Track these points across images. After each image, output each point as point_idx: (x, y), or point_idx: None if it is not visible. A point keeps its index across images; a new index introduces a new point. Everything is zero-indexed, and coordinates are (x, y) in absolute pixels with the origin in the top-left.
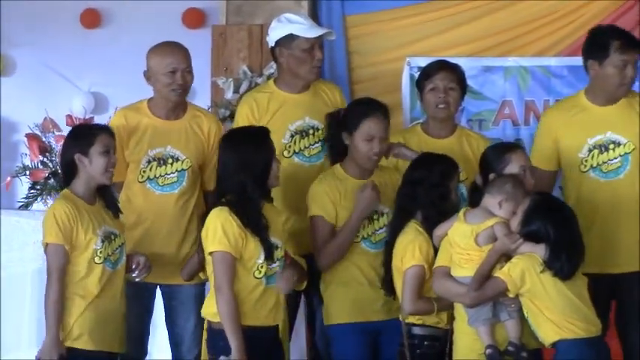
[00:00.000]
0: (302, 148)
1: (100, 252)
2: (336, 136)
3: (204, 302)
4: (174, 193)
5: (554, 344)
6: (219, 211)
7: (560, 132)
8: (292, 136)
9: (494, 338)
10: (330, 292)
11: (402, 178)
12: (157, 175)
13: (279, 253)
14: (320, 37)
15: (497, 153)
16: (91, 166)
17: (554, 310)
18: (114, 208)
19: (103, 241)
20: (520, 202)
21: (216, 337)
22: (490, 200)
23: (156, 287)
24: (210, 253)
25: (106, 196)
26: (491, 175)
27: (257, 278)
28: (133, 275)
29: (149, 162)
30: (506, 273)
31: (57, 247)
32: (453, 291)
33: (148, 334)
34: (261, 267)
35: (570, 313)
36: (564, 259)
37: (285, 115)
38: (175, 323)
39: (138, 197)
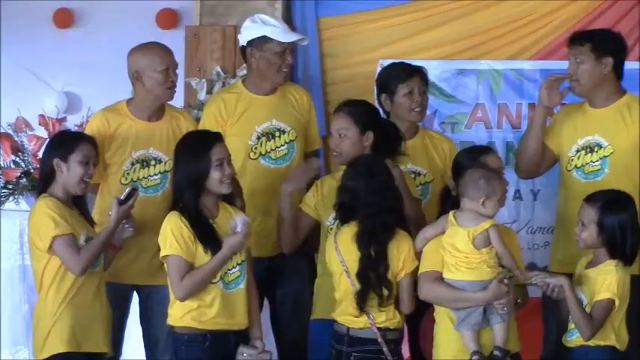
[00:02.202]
0: (268, 151)
1: None
2: None
3: (168, 310)
4: (157, 195)
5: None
6: (170, 216)
7: (557, 130)
8: (259, 137)
9: (479, 344)
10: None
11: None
12: (141, 177)
13: (238, 258)
14: (293, 42)
15: (471, 156)
16: (68, 174)
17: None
18: (88, 218)
19: (86, 242)
20: (500, 190)
21: (178, 342)
22: (471, 204)
23: (133, 289)
24: (164, 258)
25: (80, 205)
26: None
27: (212, 283)
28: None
29: (132, 164)
30: (611, 290)
31: (65, 238)
32: (447, 296)
33: (124, 334)
34: None
35: None
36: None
37: (252, 116)
38: (151, 323)
39: (135, 184)
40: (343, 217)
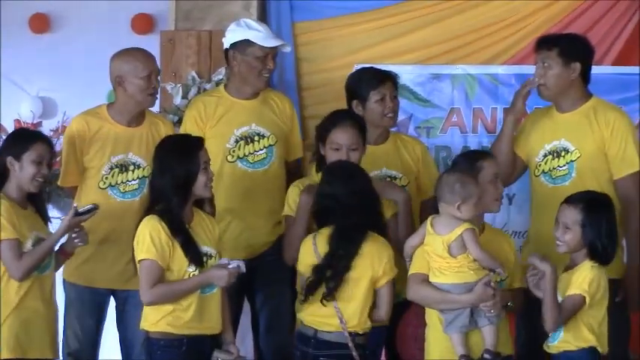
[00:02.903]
0: (246, 154)
1: None
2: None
3: (142, 315)
4: (135, 200)
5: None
6: (148, 220)
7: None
8: (237, 141)
9: (467, 347)
10: None
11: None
12: (119, 182)
13: (213, 262)
14: (275, 47)
15: (469, 160)
16: (20, 172)
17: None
18: (44, 215)
19: (33, 245)
20: (475, 194)
21: (154, 347)
22: (447, 208)
23: (110, 293)
24: (139, 262)
25: (36, 202)
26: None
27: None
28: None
29: (111, 168)
30: (582, 287)
31: (7, 243)
32: (433, 298)
33: (100, 339)
34: (192, 276)
35: None
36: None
37: (232, 119)
38: (127, 328)
39: (98, 203)
40: (322, 223)
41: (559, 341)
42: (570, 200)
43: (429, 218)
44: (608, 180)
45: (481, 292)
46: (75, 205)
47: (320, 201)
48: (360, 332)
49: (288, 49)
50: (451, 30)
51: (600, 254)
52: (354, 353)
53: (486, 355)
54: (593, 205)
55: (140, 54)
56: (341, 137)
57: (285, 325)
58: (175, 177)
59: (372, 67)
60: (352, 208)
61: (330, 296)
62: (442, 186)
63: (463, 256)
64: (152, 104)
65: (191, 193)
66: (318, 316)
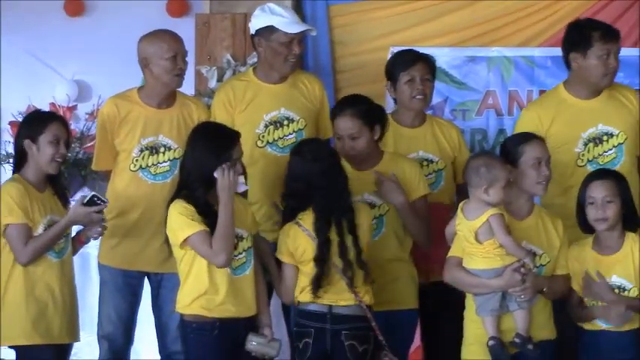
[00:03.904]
0: (275, 139)
1: None
2: None
3: (177, 297)
4: (166, 182)
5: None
6: (177, 203)
7: (552, 129)
8: (266, 126)
9: (497, 330)
10: None
11: None
12: (150, 164)
13: (244, 244)
14: (300, 32)
15: (512, 145)
16: (38, 154)
17: None
18: (63, 198)
19: (45, 229)
20: (503, 177)
21: (187, 329)
22: (475, 192)
23: (144, 276)
24: (185, 241)
25: (55, 184)
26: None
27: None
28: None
29: (141, 151)
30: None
31: (18, 227)
32: (466, 281)
33: (136, 322)
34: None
35: None
36: None
37: (261, 104)
38: (162, 311)
39: (130, 186)
40: (296, 206)
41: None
42: (599, 176)
43: (461, 203)
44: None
45: (509, 278)
46: (82, 194)
47: (291, 184)
48: (371, 304)
49: (314, 33)
50: (487, 12)
51: (636, 223)
52: (374, 324)
53: (516, 339)
54: (619, 177)
55: (166, 35)
56: (340, 126)
57: None
58: (203, 169)
59: (408, 49)
60: (329, 189)
61: (367, 281)
62: (469, 170)
63: (489, 242)
64: (179, 85)
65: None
66: (329, 294)
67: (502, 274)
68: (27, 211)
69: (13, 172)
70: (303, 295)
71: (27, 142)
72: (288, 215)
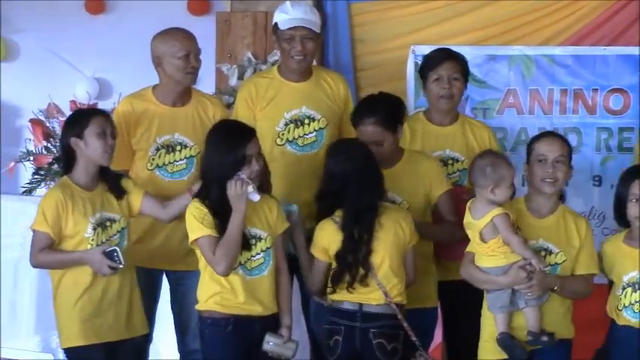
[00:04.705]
0: (295, 137)
1: (92, 239)
2: None
3: (197, 294)
4: (183, 179)
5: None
6: (193, 203)
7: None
8: (287, 124)
9: (508, 326)
10: None
11: None
12: (166, 163)
13: (263, 245)
14: (305, 28)
15: (529, 142)
16: (88, 149)
17: None
18: (117, 192)
19: (94, 228)
20: (509, 176)
21: (203, 325)
22: (482, 192)
23: (162, 274)
24: (194, 242)
25: (108, 179)
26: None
27: (233, 269)
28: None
29: (157, 149)
30: None
31: (39, 234)
32: (478, 277)
33: (154, 320)
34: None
35: None
36: None
37: (282, 102)
38: (182, 309)
39: (147, 185)
40: (329, 205)
41: None
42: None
43: (469, 202)
44: None
45: (514, 275)
46: (102, 249)
47: (328, 183)
48: (404, 302)
49: (317, 29)
50: (508, 11)
51: None
52: (405, 324)
53: (529, 337)
54: None
55: (178, 34)
56: (363, 134)
57: None
58: (219, 168)
59: (439, 48)
60: (360, 187)
61: (363, 283)
62: (475, 170)
63: (494, 241)
64: (193, 83)
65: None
66: (360, 293)
67: (508, 272)
68: (56, 221)
69: (62, 174)
70: (335, 293)
71: (73, 140)
72: (325, 212)
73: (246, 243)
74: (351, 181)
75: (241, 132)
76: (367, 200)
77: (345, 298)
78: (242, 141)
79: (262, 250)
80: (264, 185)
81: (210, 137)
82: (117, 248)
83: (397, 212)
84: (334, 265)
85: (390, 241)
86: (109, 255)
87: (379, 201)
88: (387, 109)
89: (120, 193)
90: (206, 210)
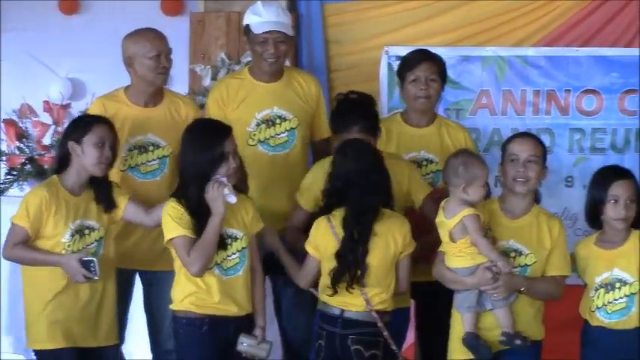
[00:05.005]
0: (267, 138)
1: (68, 245)
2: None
3: (171, 295)
4: (155, 180)
5: None
6: (169, 203)
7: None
8: (258, 124)
9: (475, 327)
10: None
11: None
12: (139, 163)
13: (239, 244)
14: (279, 31)
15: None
16: (83, 156)
17: None
18: (105, 203)
19: (72, 235)
20: (481, 175)
21: (177, 325)
22: (455, 191)
23: (135, 274)
24: (171, 240)
25: (98, 188)
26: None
27: (208, 269)
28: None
29: (130, 150)
30: None
31: (18, 228)
32: (446, 277)
33: (126, 321)
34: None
35: None
36: None
37: (253, 103)
38: (155, 309)
39: (120, 185)
40: (333, 203)
41: (629, 317)
42: (624, 175)
43: (442, 202)
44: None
45: (481, 276)
46: (79, 256)
47: (332, 181)
48: (388, 310)
49: (290, 32)
50: (481, 12)
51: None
52: (385, 333)
53: (502, 337)
54: (634, 178)
55: (149, 34)
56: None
57: (308, 308)
58: (197, 165)
59: (417, 49)
60: (364, 188)
61: (360, 283)
62: (448, 169)
63: (462, 241)
64: (164, 83)
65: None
66: (343, 297)
67: (475, 272)
68: (37, 219)
69: (53, 173)
70: (322, 295)
71: (71, 144)
72: (325, 210)
73: (222, 243)
74: (355, 182)
75: (218, 129)
76: (369, 201)
77: (330, 302)
78: (219, 138)
79: (238, 250)
80: (240, 185)
81: (187, 136)
82: (94, 260)
83: (393, 220)
84: (328, 264)
85: (379, 249)
86: (86, 264)
87: (382, 203)
88: (371, 115)
89: (109, 205)
90: (183, 209)
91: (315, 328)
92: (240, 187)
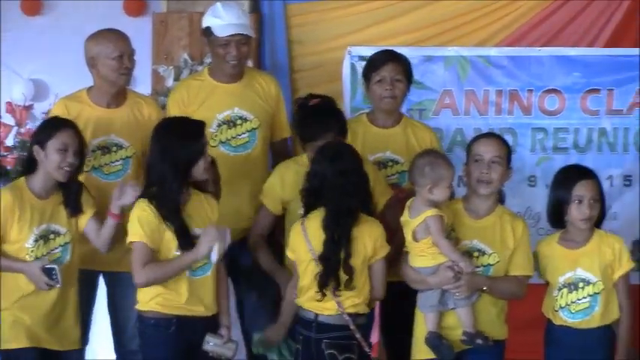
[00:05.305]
0: (228, 138)
1: (32, 250)
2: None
3: (137, 295)
4: (119, 181)
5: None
6: (138, 203)
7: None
8: (219, 125)
9: (437, 326)
10: None
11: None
12: (102, 164)
13: None
14: (241, 34)
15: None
16: (46, 161)
17: None
18: (72, 208)
19: (36, 240)
20: (447, 176)
21: (144, 325)
22: (420, 191)
23: (99, 275)
24: (130, 243)
25: (67, 192)
26: None
27: None
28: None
29: (93, 151)
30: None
31: None
32: (410, 277)
33: (90, 322)
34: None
35: None
36: None
37: (214, 104)
38: (118, 310)
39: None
40: (311, 203)
41: (592, 316)
42: (587, 175)
43: (408, 201)
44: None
45: (442, 275)
46: (42, 264)
47: (309, 180)
48: (360, 312)
49: (252, 35)
50: (444, 12)
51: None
52: (358, 335)
53: (463, 337)
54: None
55: (111, 35)
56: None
57: (271, 311)
58: (177, 161)
59: (383, 50)
60: (342, 190)
61: (348, 287)
62: (414, 169)
63: (424, 241)
64: (127, 83)
65: (190, 177)
66: (316, 301)
67: (437, 272)
68: (7, 220)
69: (18, 175)
70: (298, 299)
71: (36, 148)
72: (308, 210)
73: (188, 246)
74: (331, 183)
75: (195, 125)
76: (348, 203)
77: (304, 305)
78: (198, 133)
79: None
80: (209, 185)
81: (161, 134)
82: (56, 267)
83: (365, 224)
84: (301, 267)
85: (357, 252)
86: (47, 272)
87: (360, 206)
88: (343, 118)
89: (75, 210)
90: (153, 214)
91: (295, 334)
92: (209, 187)
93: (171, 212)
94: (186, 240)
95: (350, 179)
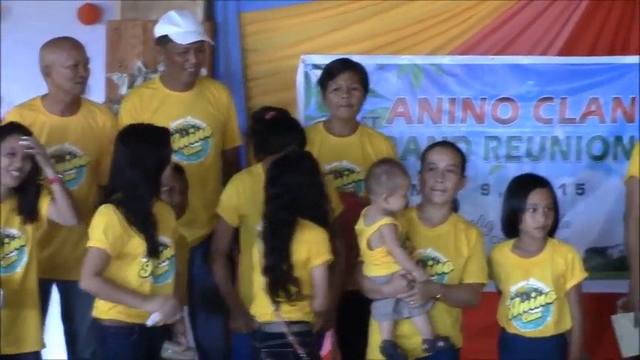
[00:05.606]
0: (181, 147)
1: None
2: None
3: (95, 303)
4: (73, 189)
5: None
6: (103, 209)
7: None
8: (172, 134)
9: (392, 335)
10: None
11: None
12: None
13: (168, 252)
14: (201, 41)
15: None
16: None
17: None
18: (25, 213)
19: None
20: (403, 185)
21: (104, 333)
22: (376, 199)
23: (52, 284)
24: (88, 248)
25: (22, 197)
26: None
27: (142, 277)
28: None
29: None
30: (582, 271)
31: None
32: (364, 286)
33: (44, 330)
34: (147, 266)
35: None
36: None
37: (167, 112)
38: (71, 319)
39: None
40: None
41: (544, 326)
42: (541, 183)
43: (364, 210)
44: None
45: (396, 284)
46: None
47: (267, 189)
48: (299, 320)
49: (212, 42)
50: (397, 20)
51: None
52: (291, 338)
53: (425, 345)
54: (550, 186)
55: (66, 43)
56: None
57: (220, 320)
58: (148, 167)
59: (339, 58)
60: (278, 201)
61: (300, 297)
62: (370, 178)
63: (379, 250)
64: (81, 92)
65: (159, 183)
66: (259, 307)
67: (390, 281)
68: None
69: None
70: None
71: None
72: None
73: (155, 252)
74: (267, 191)
75: (162, 132)
76: (283, 216)
77: (252, 312)
78: (166, 139)
79: (167, 258)
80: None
81: (129, 140)
82: (1, 291)
83: (304, 230)
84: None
85: (297, 258)
86: None
87: (310, 216)
88: (302, 131)
89: (29, 217)
90: (119, 220)
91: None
92: (174, 196)
93: (141, 218)
94: (154, 248)
95: (312, 189)
